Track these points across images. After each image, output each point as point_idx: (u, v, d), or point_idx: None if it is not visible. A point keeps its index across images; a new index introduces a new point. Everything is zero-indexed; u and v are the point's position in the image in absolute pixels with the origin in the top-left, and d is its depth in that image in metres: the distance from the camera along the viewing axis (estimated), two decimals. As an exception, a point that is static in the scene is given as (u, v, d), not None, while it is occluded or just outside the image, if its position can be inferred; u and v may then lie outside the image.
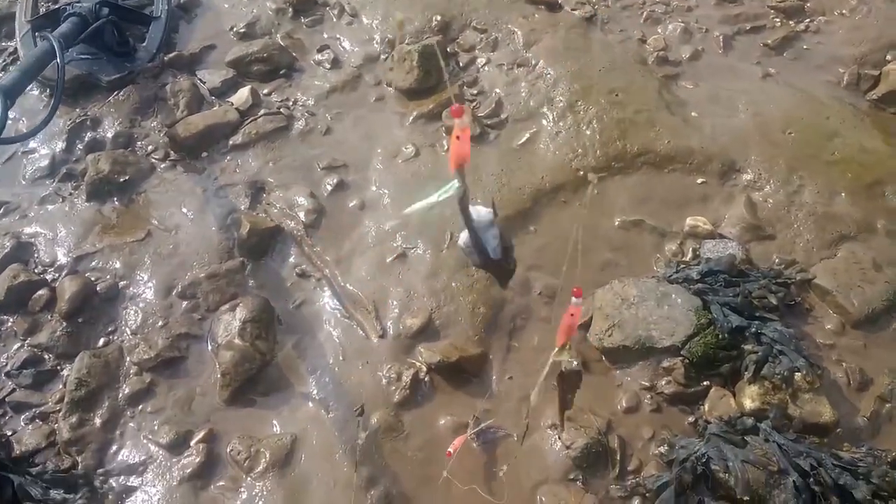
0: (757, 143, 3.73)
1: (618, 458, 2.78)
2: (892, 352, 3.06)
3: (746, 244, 3.34)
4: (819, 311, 3.15)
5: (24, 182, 4.21)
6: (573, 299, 2.12)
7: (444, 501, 2.76)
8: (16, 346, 3.48)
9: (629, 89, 3.96)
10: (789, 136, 3.76)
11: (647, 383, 2.98)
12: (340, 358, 3.25)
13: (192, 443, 3.02)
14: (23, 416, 3.25)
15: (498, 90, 4.10)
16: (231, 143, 4.12)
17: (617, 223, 3.54)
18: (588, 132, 3.78)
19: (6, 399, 3.31)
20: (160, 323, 3.42)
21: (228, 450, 2.99)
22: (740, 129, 3.81)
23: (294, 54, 4.52)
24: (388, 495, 2.79)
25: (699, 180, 3.64)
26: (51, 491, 2.94)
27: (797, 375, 2.74)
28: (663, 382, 2.95)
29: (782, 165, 3.63)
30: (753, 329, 2.88)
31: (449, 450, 2.69)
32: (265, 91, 4.37)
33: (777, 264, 3.25)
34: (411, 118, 4.05)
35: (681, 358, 2.92)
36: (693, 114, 3.91)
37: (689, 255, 3.38)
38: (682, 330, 2.95)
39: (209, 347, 3.33)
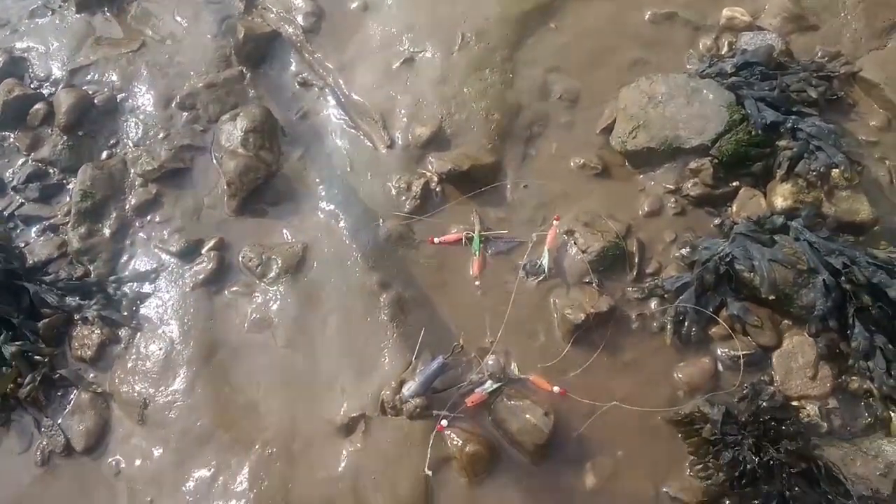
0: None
1: (636, 260, 2.66)
2: (940, 148, 2.83)
3: (787, 36, 3.05)
4: (863, 106, 2.90)
5: (12, -4, 3.96)
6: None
7: (453, 304, 2.69)
8: (20, 162, 3.40)
9: None
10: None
11: (671, 186, 2.81)
12: (348, 169, 3.10)
13: (204, 251, 2.97)
14: (33, 229, 3.23)
15: None
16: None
17: (647, 16, 3.25)
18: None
19: (15, 213, 3.27)
20: (162, 135, 3.28)
21: (240, 257, 2.93)
22: None
23: None
24: (401, 299, 2.73)
25: (738, -33, 3.28)
26: (66, 298, 2.95)
27: (834, 172, 2.54)
28: (689, 185, 2.77)
29: (831, -50, 3.24)
30: (789, 124, 2.65)
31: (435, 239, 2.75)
32: None
33: (820, 57, 2.97)
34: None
35: (710, 158, 2.72)
36: None
37: (725, 49, 3.10)
38: (713, 128, 2.73)
39: (213, 159, 3.19)
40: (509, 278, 2.69)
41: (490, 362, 2.42)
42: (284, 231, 3.00)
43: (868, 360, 2.24)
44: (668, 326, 2.47)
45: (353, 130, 3.20)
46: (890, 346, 2.25)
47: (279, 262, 2.88)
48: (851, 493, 2.03)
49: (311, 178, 3.12)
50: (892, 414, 2.22)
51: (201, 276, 2.90)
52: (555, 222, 2.71)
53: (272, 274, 2.87)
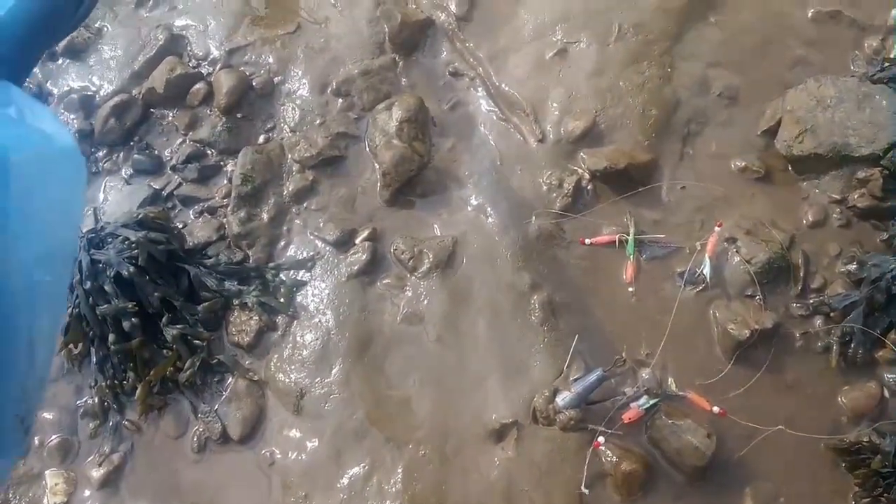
0: None
1: (801, 274, 2.62)
2: None
3: (969, 39, 2.88)
4: None
5: (170, -28, 4.14)
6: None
7: (605, 311, 2.72)
8: (178, 141, 3.57)
9: None
10: None
11: (836, 196, 2.74)
12: (498, 162, 3.14)
13: (358, 241, 3.07)
14: (192, 210, 3.39)
15: None
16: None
17: (810, 14, 3.12)
18: None
19: (174, 193, 3.46)
20: (318, 121, 3.39)
21: (392, 249, 3.03)
22: None
23: None
24: (552, 302, 2.78)
25: (913, -37, 3.10)
26: (225, 282, 3.11)
27: None
28: (856, 195, 2.69)
29: None
30: (975, 137, 2.52)
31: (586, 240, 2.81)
32: None
33: None
34: None
35: (879, 168, 2.63)
36: None
37: (894, 52, 2.95)
38: (886, 136, 2.64)
39: (367, 148, 3.29)
40: (665, 286, 2.70)
41: (646, 376, 2.47)
42: (434, 224, 3.08)
43: None
44: (834, 347, 2.44)
45: (503, 123, 3.23)
46: None
47: (430, 255, 2.97)
48: None
49: (460, 171, 3.18)
50: None
51: (356, 267, 3.01)
52: (717, 229, 2.69)
53: (424, 268, 2.97)
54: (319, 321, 2.96)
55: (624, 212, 2.90)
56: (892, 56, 2.94)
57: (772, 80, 3.02)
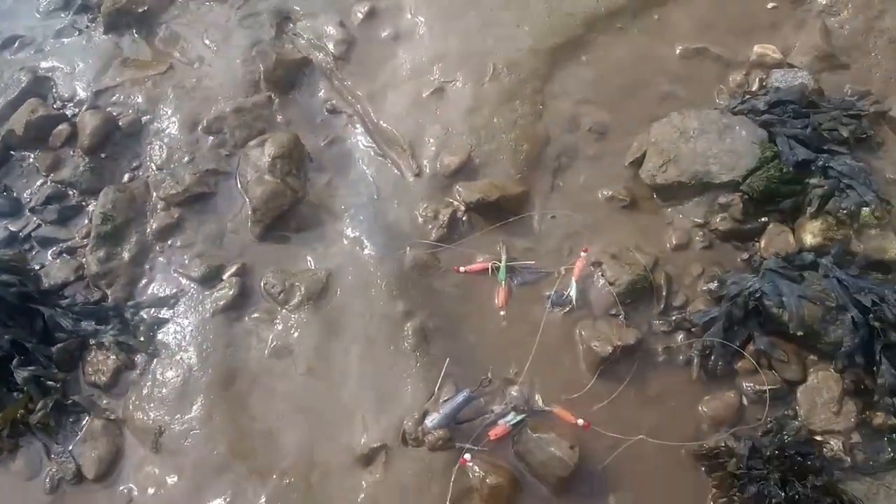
0: (838, -36, 3.62)
1: (663, 294, 2.89)
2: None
3: (818, 74, 3.32)
4: (891, 145, 3.15)
5: (38, 15, 4.36)
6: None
7: (477, 334, 2.92)
8: (39, 182, 3.68)
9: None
10: (873, -46, 3.63)
11: (700, 220, 3.06)
12: (375, 196, 3.38)
13: (225, 276, 3.22)
14: (50, 251, 3.49)
15: None
16: (253, -32, 4.13)
17: (678, 51, 3.54)
18: (650, -51, 3.71)
19: (32, 234, 3.54)
20: (186, 158, 3.56)
21: (262, 283, 3.19)
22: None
23: None
24: (425, 328, 2.96)
25: (770, 5, 3.60)
26: (81, 322, 3.19)
27: (864, 210, 2.78)
28: (718, 219, 3.02)
29: (864, -11, 3.54)
30: (821, 162, 2.90)
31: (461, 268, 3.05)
32: None
33: (850, 95, 3.23)
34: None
35: (740, 193, 2.97)
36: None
37: (756, 85, 3.38)
38: (745, 164, 2.99)
39: (238, 184, 3.47)
40: (535, 309, 2.93)
41: (514, 394, 2.66)
42: (308, 258, 3.26)
43: (893, 397, 2.45)
44: (695, 360, 2.70)
45: (380, 158, 3.48)
46: (916, 384, 2.46)
47: (302, 288, 3.13)
48: (876, 528, 2.20)
49: (336, 205, 3.39)
50: (916, 450, 2.41)
51: (222, 303, 3.15)
52: (583, 254, 2.96)
53: (295, 301, 3.12)
54: (181, 358, 3.06)
55: (497, 241, 3.14)
56: (753, 89, 3.34)
57: (640, 114, 3.38)
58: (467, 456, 2.52)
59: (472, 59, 3.61)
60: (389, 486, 2.59)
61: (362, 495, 2.60)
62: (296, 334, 3.04)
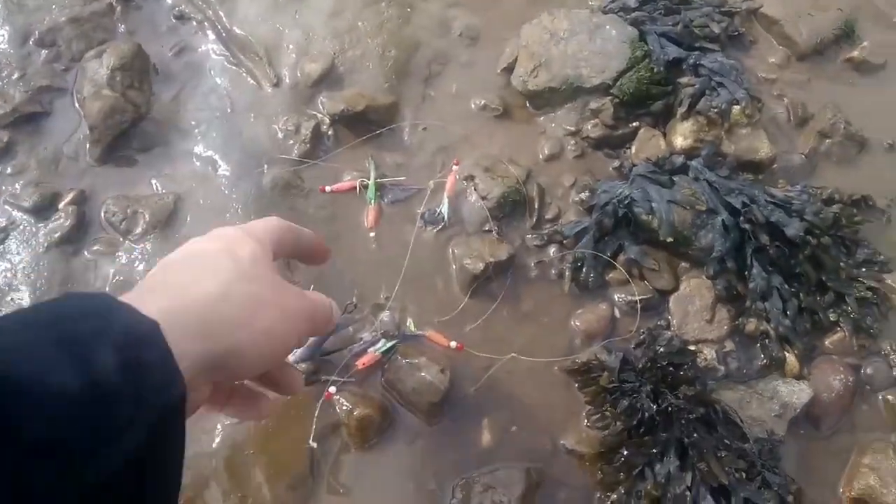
0: None
1: (536, 206, 2.72)
2: (836, 85, 3.02)
3: (690, -30, 3.14)
4: (763, 43, 3.05)
5: None
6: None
7: (346, 258, 2.69)
8: None
9: None
10: None
11: (571, 128, 2.88)
12: (229, 110, 3.05)
13: (61, 205, 2.86)
14: None
15: None
16: None
17: (551, -54, 3.27)
18: None
19: None
20: (16, 75, 3.13)
21: (102, 212, 2.84)
22: None
23: None
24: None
25: None
26: None
27: (735, 109, 2.66)
28: (589, 126, 2.85)
29: None
30: (692, 60, 2.75)
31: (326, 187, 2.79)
32: None
33: (722, -8, 3.07)
34: None
35: (610, 97, 2.80)
36: None
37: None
38: (615, 65, 2.81)
39: (75, 101, 3.08)
40: (407, 228, 2.72)
41: (385, 319, 2.45)
42: (154, 181, 2.92)
43: (765, 301, 2.38)
44: (567, 273, 2.55)
45: (234, 67, 3.14)
46: (786, 286, 2.40)
47: (147, 216, 2.80)
48: (748, 435, 2.15)
49: (185, 121, 3.04)
50: (788, 354, 2.37)
51: (57, 235, 2.79)
52: (454, 167, 2.75)
53: (138, 230, 2.79)
54: (12, 299, 2.71)
55: (366, 156, 2.89)
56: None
57: (513, 17, 3.14)
58: (332, 389, 2.33)
59: (332, -45, 3.27)
60: (248, 427, 2.37)
61: (218, 440, 2.35)
62: (140, 267, 2.72)
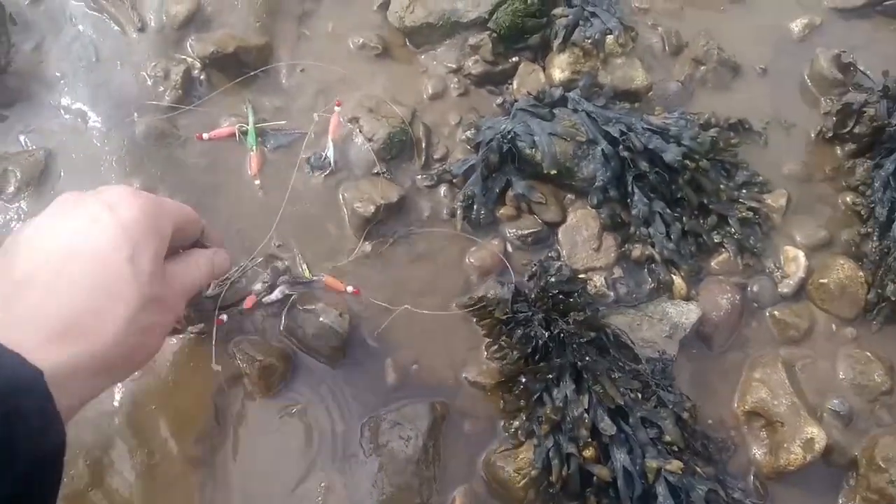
0: None
1: (423, 147, 2.69)
2: (707, 13, 3.08)
3: None
4: (636, -28, 3.08)
5: None
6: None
7: (231, 209, 2.59)
8: None
9: None
10: None
11: (453, 66, 2.85)
12: (94, 59, 2.83)
13: (-83, 171, 2.62)
14: None
15: None
16: None
17: None
18: None
19: None
20: None
21: (-33, 173, 2.63)
22: None
23: None
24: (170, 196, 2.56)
25: None
26: None
27: (609, 39, 2.69)
28: (470, 63, 2.82)
29: None
30: (564, -11, 2.75)
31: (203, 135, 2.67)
32: None
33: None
34: None
35: (488, 32, 2.77)
36: None
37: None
38: (490, -2, 2.77)
39: (-82, 54, 2.78)
40: (292, 174, 2.63)
41: (280, 267, 2.39)
42: (21, 137, 2.70)
43: (648, 227, 2.47)
44: (458, 212, 2.55)
45: (96, 13, 2.91)
46: (668, 211, 2.49)
47: (18, 173, 2.60)
48: (640, 356, 2.24)
49: (49, 73, 2.81)
50: (674, 277, 2.45)
51: (-86, 208, 2.58)
52: (336, 108, 2.67)
53: (10, 189, 2.59)
54: None
55: (243, 101, 2.76)
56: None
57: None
58: (224, 317, 2.24)
59: None
60: (149, 384, 2.26)
61: (119, 397, 2.22)
62: (15, 227, 2.54)
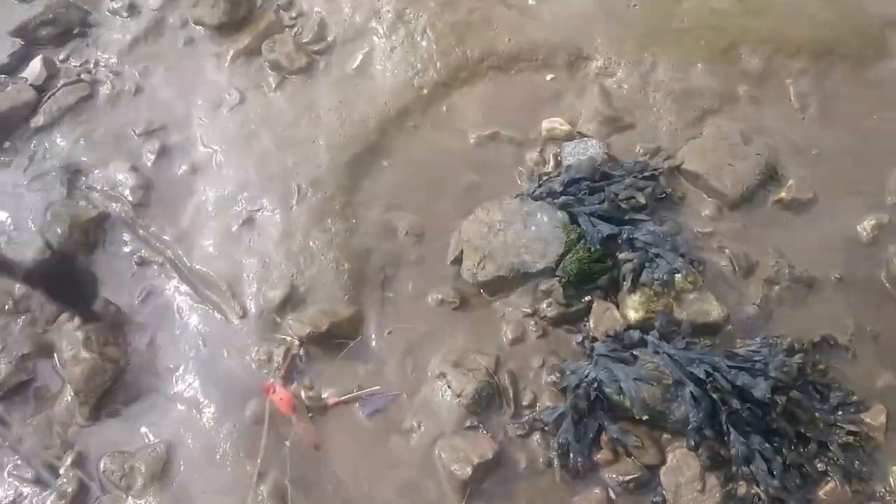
0: (601, 24, 3.59)
1: (511, 395, 2.72)
2: (772, 229, 3.05)
3: (607, 139, 3.26)
4: (692, 197, 3.12)
5: None
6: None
7: (335, 481, 2.64)
8: None
9: (458, -14, 3.70)
10: (634, 10, 3.62)
11: (528, 310, 2.92)
12: (202, 348, 3.04)
13: (62, 471, 2.81)
14: None
15: (318, 9, 3.82)
16: (33, 125, 3.73)
17: (472, 140, 3.39)
18: (424, 43, 3.57)
19: None
20: (-1, 346, 3.10)
21: (101, 471, 2.80)
22: (581, 10, 3.65)
23: (85, 7, 4.05)
24: (280, 486, 2.66)
25: (548, 76, 3.51)
26: None
27: (677, 277, 2.70)
28: (544, 306, 2.89)
29: (631, 44, 3.52)
30: (625, 235, 2.82)
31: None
32: (60, 57, 3.93)
33: (642, 155, 3.19)
34: (229, 58, 3.74)
35: (557, 278, 2.84)
36: (530, 2, 3.71)
37: (551, 161, 3.27)
38: (553, 249, 2.88)
39: (57, 363, 3.05)
40: (394, 439, 2.70)
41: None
42: (144, 431, 2.88)
43: (749, 465, 2.37)
44: (555, 461, 2.53)
45: (200, 304, 3.14)
46: (767, 446, 2.39)
47: (143, 469, 2.75)
48: None
49: (162, 367, 3.03)
50: (784, 515, 2.31)
51: (62, 502, 2.73)
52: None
53: (138, 485, 2.74)
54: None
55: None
56: (548, 168, 3.22)
57: (451, 209, 3.21)
58: None
59: (274, 183, 3.34)
60: None
61: None
62: (145, 529, 2.67)
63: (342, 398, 2.78)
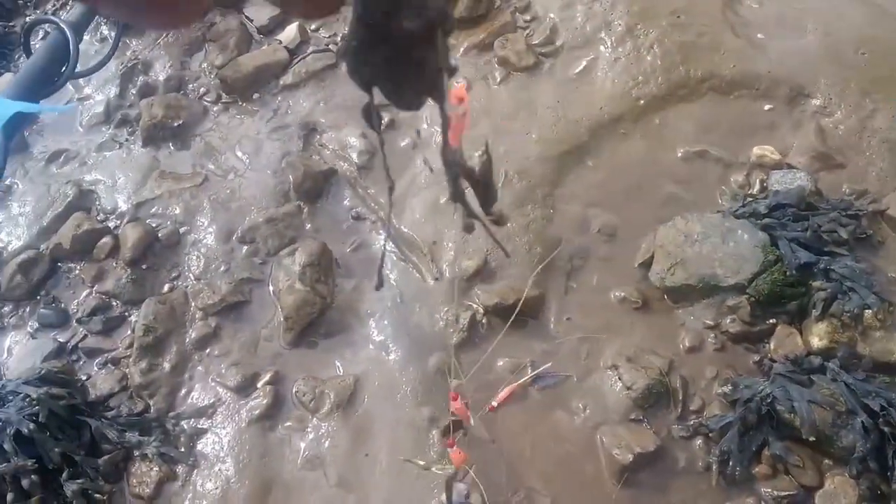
0: (827, 66, 3.57)
1: (680, 397, 2.81)
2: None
3: (815, 174, 3.25)
4: (891, 244, 3.05)
5: (81, 129, 4.39)
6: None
7: (500, 439, 2.85)
8: (84, 294, 3.67)
9: (692, 10, 3.81)
10: (862, 57, 3.58)
11: (710, 322, 2.98)
12: (398, 300, 3.33)
13: (259, 385, 3.17)
14: (95, 362, 3.46)
15: (552, 15, 4.01)
16: (281, 83, 4.19)
17: (680, 154, 3.48)
18: (649, 58, 3.69)
19: (79, 345, 3.52)
20: (223, 268, 3.55)
21: (294, 391, 3.13)
22: (809, 50, 3.65)
23: (340, -14, 4.48)
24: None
25: (766, 107, 3.53)
26: (126, 433, 3.13)
27: (867, 313, 2.69)
28: (728, 321, 2.94)
29: (854, 88, 3.48)
30: (822, 265, 2.83)
31: (493, 403, 2.83)
32: (313, 27, 4.37)
33: (848, 195, 3.16)
34: (462, 49, 4.01)
35: (746, 296, 2.90)
36: (759, 35, 3.75)
37: (756, 186, 3.31)
38: (749, 267, 2.92)
39: (271, 291, 3.45)
40: (556, 416, 2.87)
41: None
42: (337, 363, 3.21)
43: (912, 505, 2.35)
44: (714, 466, 2.60)
45: (402, 262, 3.45)
46: (934, 490, 2.36)
47: (332, 396, 3.08)
48: None
49: (363, 310, 3.35)
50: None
51: (257, 412, 3.09)
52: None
53: (325, 409, 3.06)
54: (220, 469, 3.00)
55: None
56: (753, 192, 3.29)
57: (647, 216, 3.32)
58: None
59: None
60: None
61: None
62: (326, 444, 2.97)
63: (516, 384, 2.95)
